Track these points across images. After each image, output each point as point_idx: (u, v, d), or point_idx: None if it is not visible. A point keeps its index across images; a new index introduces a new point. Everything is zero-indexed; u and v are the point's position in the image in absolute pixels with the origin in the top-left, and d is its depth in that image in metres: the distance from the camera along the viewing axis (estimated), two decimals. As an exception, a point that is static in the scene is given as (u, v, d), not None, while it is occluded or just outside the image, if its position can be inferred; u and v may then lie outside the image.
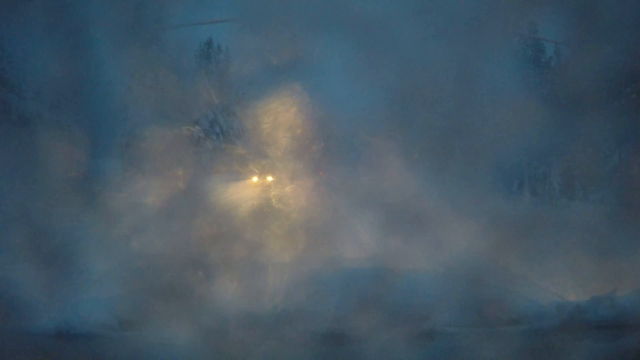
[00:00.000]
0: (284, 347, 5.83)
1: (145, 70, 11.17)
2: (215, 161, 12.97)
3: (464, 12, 9.40)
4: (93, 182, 10.55)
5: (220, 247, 8.16)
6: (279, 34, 10.18)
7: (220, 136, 13.96)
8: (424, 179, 9.43)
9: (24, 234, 8.06)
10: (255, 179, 12.21)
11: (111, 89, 11.63)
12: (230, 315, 6.37)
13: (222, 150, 13.61)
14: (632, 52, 9.86)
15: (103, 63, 10.93)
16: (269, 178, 12.04)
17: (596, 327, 6.09)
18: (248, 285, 7.08)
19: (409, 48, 9.52)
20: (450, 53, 9.64)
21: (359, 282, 7.10)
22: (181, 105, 11.19)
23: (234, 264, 7.65)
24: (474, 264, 7.60)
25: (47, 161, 9.01)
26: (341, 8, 9.66)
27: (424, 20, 9.36)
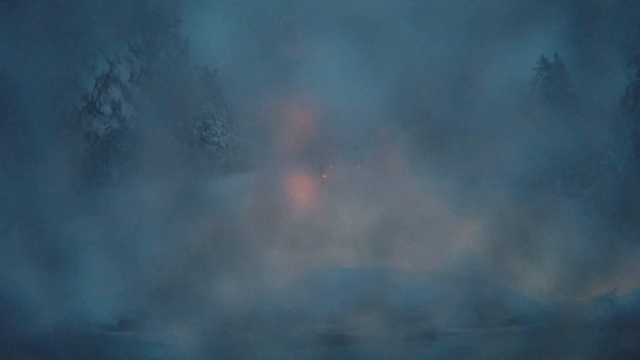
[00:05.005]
0: (284, 347, 5.83)
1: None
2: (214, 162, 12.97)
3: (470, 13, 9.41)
4: (92, 183, 10.54)
5: (220, 247, 8.14)
6: (280, 33, 10.17)
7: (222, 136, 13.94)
8: (425, 178, 9.42)
9: (25, 235, 8.05)
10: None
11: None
12: (230, 315, 6.37)
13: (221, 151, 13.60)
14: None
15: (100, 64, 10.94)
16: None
17: (596, 327, 6.10)
18: (248, 285, 7.07)
19: (414, 49, 9.52)
20: (455, 54, 9.64)
21: (359, 282, 7.10)
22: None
23: (234, 264, 7.63)
24: (474, 264, 7.59)
25: (48, 162, 9.00)
26: (345, 7, 9.66)
27: (429, 21, 9.35)
